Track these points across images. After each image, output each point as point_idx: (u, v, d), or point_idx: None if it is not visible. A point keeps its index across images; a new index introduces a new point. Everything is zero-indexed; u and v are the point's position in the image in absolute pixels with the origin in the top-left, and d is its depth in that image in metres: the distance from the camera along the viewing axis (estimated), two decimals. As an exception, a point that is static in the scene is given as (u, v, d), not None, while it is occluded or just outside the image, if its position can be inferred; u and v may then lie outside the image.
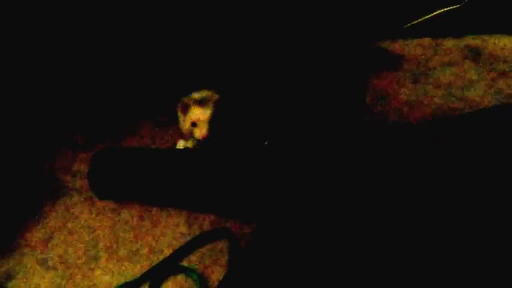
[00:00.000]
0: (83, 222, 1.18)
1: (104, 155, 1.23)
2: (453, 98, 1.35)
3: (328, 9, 1.54)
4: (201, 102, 1.16)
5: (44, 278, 1.07)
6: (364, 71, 1.49)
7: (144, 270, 1.04)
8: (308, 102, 1.36)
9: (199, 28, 1.54)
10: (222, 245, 1.07)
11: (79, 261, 1.09)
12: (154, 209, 1.18)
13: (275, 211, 1.10)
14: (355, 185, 1.08)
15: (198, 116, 1.15)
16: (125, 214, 1.18)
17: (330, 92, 1.40)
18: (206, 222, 1.13)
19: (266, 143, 1.23)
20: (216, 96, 1.18)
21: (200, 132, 1.16)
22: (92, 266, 1.07)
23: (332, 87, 1.42)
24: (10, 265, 1.11)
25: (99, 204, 1.21)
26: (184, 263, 1.05)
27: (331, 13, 1.55)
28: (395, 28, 1.59)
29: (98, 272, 1.06)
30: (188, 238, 1.09)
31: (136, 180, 1.18)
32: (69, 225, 1.18)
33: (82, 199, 1.24)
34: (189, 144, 1.26)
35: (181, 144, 1.27)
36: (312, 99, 1.37)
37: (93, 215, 1.19)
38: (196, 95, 1.18)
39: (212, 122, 1.16)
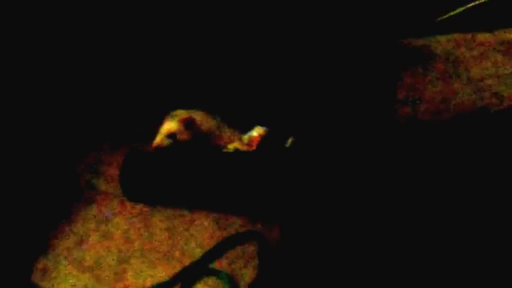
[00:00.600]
0: (115, 224, 1.20)
1: (134, 157, 1.25)
2: (485, 94, 1.32)
3: (358, 5, 1.52)
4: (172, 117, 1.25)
5: (77, 278, 1.10)
6: (394, 67, 1.46)
7: (175, 273, 1.05)
8: (336, 99, 1.35)
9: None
10: (252, 247, 1.07)
11: (112, 264, 1.11)
12: (185, 211, 1.19)
13: (304, 212, 1.10)
14: (384, 184, 1.07)
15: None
16: (157, 217, 1.20)
17: (359, 88, 1.39)
18: (236, 224, 1.13)
19: (291, 140, 1.23)
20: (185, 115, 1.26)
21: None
22: (125, 268, 1.09)
23: (361, 84, 1.40)
24: (45, 265, 1.14)
25: (131, 206, 1.23)
26: (215, 266, 1.05)
27: (360, 8, 1.52)
28: (426, 23, 1.55)
29: (130, 274, 1.08)
30: (218, 240, 1.10)
31: (167, 183, 1.20)
32: (103, 227, 1.20)
33: (114, 202, 1.26)
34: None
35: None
36: (340, 96, 1.36)
37: (126, 218, 1.21)
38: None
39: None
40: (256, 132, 1.25)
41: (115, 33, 1.53)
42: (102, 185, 1.32)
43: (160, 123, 1.26)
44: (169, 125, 1.23)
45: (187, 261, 1.07)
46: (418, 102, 1.34)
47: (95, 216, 1.23)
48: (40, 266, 1.14)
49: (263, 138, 1.24)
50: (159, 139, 1.23)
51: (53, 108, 1.53)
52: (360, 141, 1.18)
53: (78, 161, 1.41)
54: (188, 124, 1.23)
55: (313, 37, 1.51)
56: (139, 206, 1.23)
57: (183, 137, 1.23)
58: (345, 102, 1.35)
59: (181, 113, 1.26)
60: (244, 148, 1.22)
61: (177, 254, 1.10)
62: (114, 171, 1.31)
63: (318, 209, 1.08)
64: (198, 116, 1.27)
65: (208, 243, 1.11)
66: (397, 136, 1.19)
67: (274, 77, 1.47)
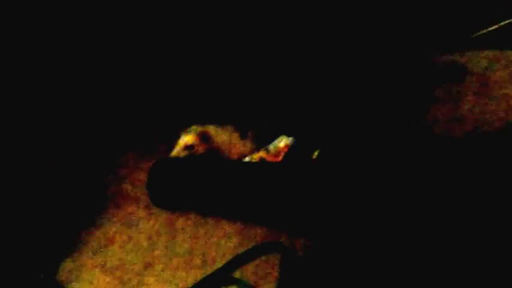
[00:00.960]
0: (141, 229, 1.22)
1: (162, 165, 1.27)
2: (519, 112, 1.28)
3: (395, 19, 1.51)
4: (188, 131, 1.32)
5: (101, 280, 1.12)
6: (428, 82, 1.44)
7: (197, 280, 1.05)
8: (368, 113, 1.34)
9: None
10: (274, 258, 1.07)
11: (135, 267, 1.12)
12: (209, 219, 1.19)
13: (330, 226, 1.09)
14: (415, 200, 1.04)
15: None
16: (181, 223, 1.20)
17: (392, 103, 1.37)
18: (259, 235, 1.13)
19: (317, 152, 1.22)
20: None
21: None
22: (147, 272, 1.11)
23: (394, 98, 1.39)
24: (72, 266, 1.17)
25: (157, 212, 1.25)
26: (237, 275, 1.05)
27: (397, 23, 1.52)
28: (460, 39, 1.53)
29: (152, 279, 1.09)
30: (241, 250, 1.10)
31: (193, 191, 1.21)
32: (128, 231, 1.22)
33: (141, 207, 1.28)
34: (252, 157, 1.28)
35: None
36: (372, 110, 1.35)
37: (151, 223, 1.23)
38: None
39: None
40: (283, 143, 1.25)
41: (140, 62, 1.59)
42: (130, 190, 1.34)
43: (177, 137, 1.32)
44: (186, 138, 1.29)
45: (209, 269, 1.07)
46: (449, 117, 1.32)
47: (121, 220, 1.26)
48: (67, 266, 1.17)
49: (289, 149, 1.24)
50: (176, 151, 1.29)
51: (88, 121, 1.57)
52: (390, 155, 1.16)
53: (108, 168, 1.44)
54: (204, 137, 1.30)
55: (347, 51, 1.51)
56: (164, 212, 1.24)
57: (199, 149, 1.29)
58: (377, 116, 1.33)
59: (196, 128, 1.33)
60: (270, 158, 1.23)
61: (199, 261, 1.10)
62: (141, 177, 1.33)
63: (345, 223, 1.07)
64: (212, 130, 1.34)
65: (231, 252, 1.10)
66: (430, 152, 1.17)
67: (302, 88, 1.47)
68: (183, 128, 1.34)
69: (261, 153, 1.24)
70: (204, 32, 1.56)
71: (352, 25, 1.52)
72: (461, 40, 1.54)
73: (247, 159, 1.26)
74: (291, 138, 1.26)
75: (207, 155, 1.29)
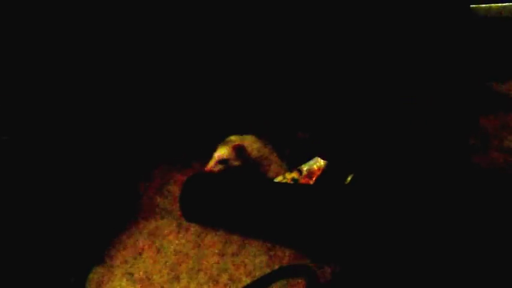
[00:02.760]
0: (170, 242, 1.23)
1: (196, 180, 1.28)
2: None
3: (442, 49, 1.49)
4: (225, 143, 1.32)
5: (128, 290, 1.13)
6: (472, 111, 1.40)
7: (221, 297, 1.05)
8: (408, 141, 1.31)
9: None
10: (300, 281, 1.05)
11: (162, 280, 1.13)
12: (237, 237, 1.19)
13: (360, 253, 1.06)
14: (452, 229, 1.01)
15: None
16: (209, 239, 1.21)
17: (434, 130, 1.34)
18: (286, 256, 1.11)
19: (351, 177, 1.20)
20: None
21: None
22: (173, 286, 1.11)
23: (437, 126, 1.36)
24: (101, 275, 1.18)
25: (187, 226, 1.26)
26: (261, 295, 1.04)
27: (444, 52, 1.49)
28: (508, 69, 1.48)
29: (177, 293, 1.09)
30: (267, 270, 1.08)
31: (224, 207, 1.21)
32: (157, 243, 1.23)
33: (171, 220, 1.29)
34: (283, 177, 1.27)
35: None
36: (412, 138, 1.32)
37: (180, 236, 1.23)
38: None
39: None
40: (317, 165, 1.23)
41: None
42: (164, 204, 1.36)
43: (213, 149, 1.32)
44: (221, 151, 1.29)
45: None
46: (492, 149, 1.27)
47: (151, 232, 1.27)
48: (96, 275, 1.19)
49: (323, 173, 1.22)
50: (211, 164, 1.29)
51: (124, 132, 1.62)
52: (428, 184, 1.13)
53: (141, 179, 1.47)
54: (239, 151, 1.29)
55: (395, 78, 1.50)
56: (194, 226, 1.25)
57: (234, 163, 1.29)
58: (416, 144, 1.30)
59: (235, 139, 1.33)
60: (303, 180, 1.21)
61: (224, 278, 1.10)
62: (173, 190, 1.35)
63: (376, 251, 1.04)
64: (250, 143, 1.32)
65: (258, 271, 1.09)
66: (470, 182, 1.13)
67: (341, 112, 1.46)
68: (220, 139, 1.34)
69: (294, 174, 1.23)
70: (243, 46, 1.58)
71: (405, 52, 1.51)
72: (507, 71, 1.50)
73: (279, 178, 1.25)
74: (325, 161, 1.24)
75: (242, 169, 1.29)
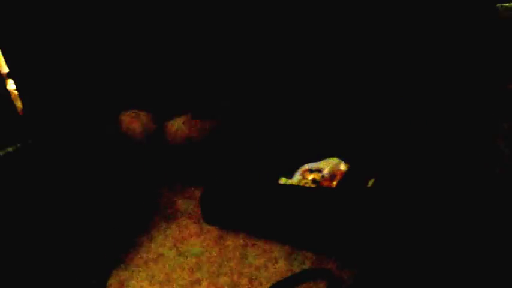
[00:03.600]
0: (191, 245, 1.23)
1: (217, 182, 1.28)
2: None
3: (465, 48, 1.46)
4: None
5: (149, 293, 1.13)
6: (496, 115, 1.36)
7: (241, 300, 1.04)
8: (431, 146, 1.29)
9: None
10: (321, 285, 1.03)
11: (182, 282, 1.13)
12: (259, 240, 1.18)
13: (381, 258, 1.04)
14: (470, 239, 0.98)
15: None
16: (230, 241, 1.20)
17: (456, 135, 1.31)
18: (307, 260, 1.10)
19: (372, 181, 1.18)
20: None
21: None
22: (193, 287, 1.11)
23: (459, 130, 1.32)
24: (123, 277, 1.19)
25: (208, 229, 1.26)
26: (282, 299, 1.03)
27: (466, 52, 1.46)
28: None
29: (198, 295, 1.09)
30: (287, 273, 1.07)
31: (244, 210, 1.21)
32: (179, 246, 1.23)
33: (192, 223, 1.29)
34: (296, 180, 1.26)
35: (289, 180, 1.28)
36: (436, 144, 1.29)
37: (201, 239, 1.23)
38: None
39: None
40: (338, 168, 1.22)
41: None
42: (186, 207, 1.37)
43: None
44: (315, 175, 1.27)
45: (254, 291, 1.06)
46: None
47: (172, 234, 1.28)
48: (117, 278, 1.19)
49: (345, 176, 1.20)
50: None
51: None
52: (447, 190, 1.11)
53: (164, 182, 1.48)
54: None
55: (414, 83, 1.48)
56: (215, 230, 1.25)
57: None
58: (440, 150, 1.28)
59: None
60: (324, 182, 1.20)
61: (245, 281, 1.09)
62: (194, 193, 1.35)
63: (397, 256, 1.02)
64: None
65: (278, 274, 1.08)
66: (493, 188, 1.10)
67: (366, 116, 1.45)
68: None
69: (314, 175, 1.22)
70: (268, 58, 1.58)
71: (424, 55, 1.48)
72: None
73: (298, 178, 1.24)
74: (346, 164, 1.22)
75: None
